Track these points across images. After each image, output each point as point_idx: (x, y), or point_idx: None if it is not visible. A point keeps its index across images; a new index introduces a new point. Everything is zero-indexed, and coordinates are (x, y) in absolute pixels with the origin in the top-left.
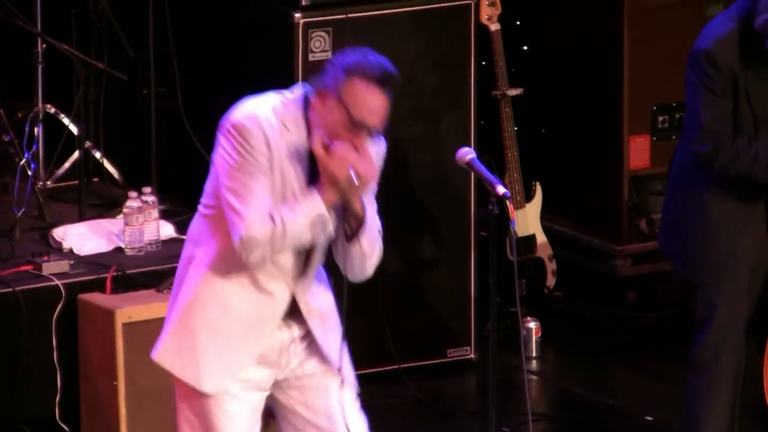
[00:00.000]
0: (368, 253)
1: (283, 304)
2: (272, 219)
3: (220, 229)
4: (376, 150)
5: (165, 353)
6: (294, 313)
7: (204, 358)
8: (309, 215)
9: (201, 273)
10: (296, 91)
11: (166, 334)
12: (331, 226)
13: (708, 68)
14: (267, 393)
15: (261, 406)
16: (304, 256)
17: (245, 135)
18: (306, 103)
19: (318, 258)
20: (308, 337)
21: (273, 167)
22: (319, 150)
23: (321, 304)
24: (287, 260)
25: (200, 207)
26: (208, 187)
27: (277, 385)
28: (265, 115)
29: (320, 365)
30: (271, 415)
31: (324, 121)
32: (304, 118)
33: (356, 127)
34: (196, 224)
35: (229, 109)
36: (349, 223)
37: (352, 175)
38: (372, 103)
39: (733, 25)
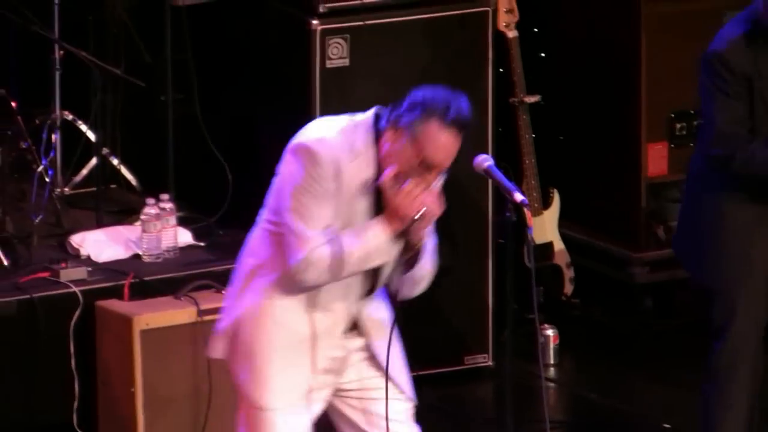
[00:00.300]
0: (417, 280)
1: (344, 322)
2: (336, 245)
3: (282, 249)
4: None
5: (234, 368)
6: (354, 327)
7: (270, 376)
8: (370, 245)
9: (265, 292)
10: (367, 116)
11: (231, 347)
12: (390, 257)
13: (721, 70)
14: (325, 402)
15: (318, 414)
16: (372, 279)
17: (315, 159)
18: (376, 130)
19: (383, 280)
20: (367, 348)
21: (339, 193)
22: (387, 185)
23: (379, 317)
24: (354, 281)
25: (263, 222)
26: (273, 203)
27: (335, 393)
28: (337, 141)
29: (378, 375)
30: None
31: (394, 154)
32: (374, 146)
33: (427, 167)
34: (258, 238)
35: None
36: (405, 253)
37: (418, 212)
38: (446, 147)
39: (746, 27)
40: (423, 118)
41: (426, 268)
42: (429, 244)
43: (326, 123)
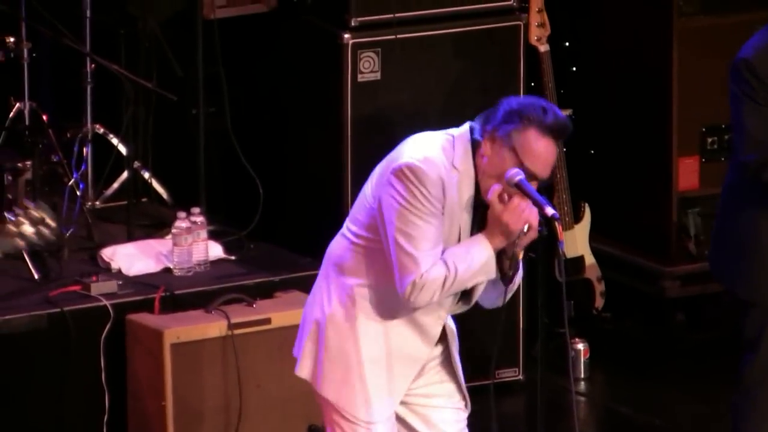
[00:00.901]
0: (510, 292)
1: (437, 333)
2: (446, 265)
3: (375, 264)
4: None
5: (330, 385)
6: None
7: (372, 390)
8: (478, 261)
9: (357, 305)
10: (462, 131)
11: (323, 365)
12: (494, 273)
13: (749, 77)
14: None
15: None
16: (469, 292)
17: (422, 179)
18: (473, 143)
19: (477, 295)
20: (441, 356)
21: (444, 211)
22: (495, 201)
23: (453, 325)
24: (448, 298)
25: (349, 234)
26: (364, 219)
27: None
28: (440, 159)
29: (444, 382)
30: None
31: (493, 167)
32: (473, 160)
33: (528, 177)
34: (344, 250)
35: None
36: (506, 266)
37: (524, 227)
38: (546, 155)
39: None
40: (521, 126)
41: (519, 279)
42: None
43: (426, 140)
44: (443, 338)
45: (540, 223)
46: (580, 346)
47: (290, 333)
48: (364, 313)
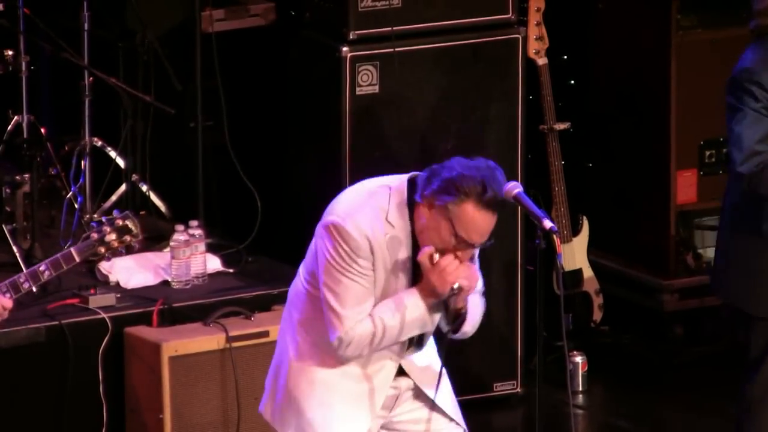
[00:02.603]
0: (470, 332)
1: (392, 374)
2: (372, 321)
3: (321, 315)
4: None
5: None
6: (402, 372)
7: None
8: (409, 317)
9: (311, 353)
10: (401, 184)
11: (281, 406)
12: (430, 326)
13: (750, 86)
14: None
15: None
16: (417, 338)
17: (347, 240)
18: (411, 202)
19: (428, 340)
20: (413, 389)
21: (375, 267)
22: (425, 262)
23: (426, 362)
24: (394, 345)
25: (304, 282)
26: (310, 265)
27: (385, 426)
28: (369, 217)
29: (427, 409)
30: None
31: (429, 232)
32: (409, 219)
33: (462, 244)
34: (301, 298)
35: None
36: (450, 319)
37: (453, 288)
38: (481, 226)
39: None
40: (458, 200)
41: (474, 321)
42: (476, 293)
43: (358, 196)
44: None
45: (538, 236)
46: (579, 359)
47: None
48: (317, 359)
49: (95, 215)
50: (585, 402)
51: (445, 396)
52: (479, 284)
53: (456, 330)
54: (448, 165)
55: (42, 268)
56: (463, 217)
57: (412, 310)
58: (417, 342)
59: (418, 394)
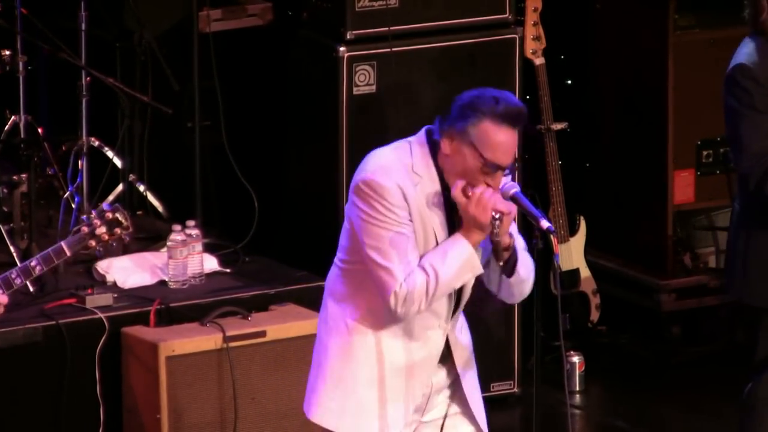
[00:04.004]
0: (526, 278)
1: (440, 346)
2: (424, 270)
3: (363, 285)
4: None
5: (328, 414)
6: (445, 357)
7: (372, 413)
8: (459, 260)
9: (352, 329)
10: (419, 135)
11: (321, 394)
12: (480, 267)
13: (746, 83)
14: None
15: None
16: (456, 297)
17: (380, 191)
18: (432, 145)
19: (467, 296)
20: (452, 383)
21: (412, 217)
22: (460, 197)
23: (465, 342)
24: (441, 304)
25: (337, 262)
26: (345, 242)
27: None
28: (396, 167)
29: (458, 409)
30: None
31: (456, 165)
32: (434, 162)
33: (491, 168)
34: (335, 279)
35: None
36: (501, 257)
37: (494, 215)
38: (504, 143)
39: (763, 42)
40: (476, 120)
41: (527, 265)
42: (519, 243)
43: (381, 153)
44: (449, 359)
45: (535, 236)
46: (576, 359)
47: (285, 346)
48: (363, 336)
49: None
50: (582, 402)
51: (476, 399)
52: (521, 241)
53: (511, 272)
54: (458, 97)
55: (33, 263)
56: (485, 135)
57: (461, 252)
58: (455, 307)
59: (450, 396)
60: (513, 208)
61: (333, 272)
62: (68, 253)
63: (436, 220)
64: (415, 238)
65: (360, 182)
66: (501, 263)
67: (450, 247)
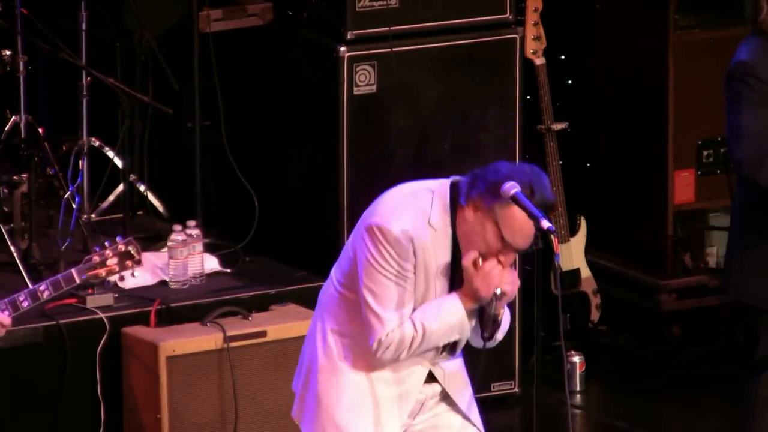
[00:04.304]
0: (499, 339)
1: (422, 379)
2: (413, 325)
3: (357, 314)
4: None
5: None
6: (432, 378)
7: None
8: (449, 320)
9: (343, 356)
10: (443, 188)
11: (312, 412)
12: (468, 331)
13: (747, 78)
14: None
15: None
16: (451, 344)
17: (392, 243)
18: (454, 203)
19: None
20: (442, 393)
21: (417, 269)
22: (469, 267)
23: (454, 367)
24: (429, 351)
25: (335, 281)
26: (345, 267)
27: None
28: (413, 219)
29: (450, 411)
30: None
31: (474, 234)
32: (451, 222)
33: (506, 248)
34: (331, 297)
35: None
36: (487, 328)
37: (497, 292)
38: (527, 230)
39: (763, 41)
40: (505, 202)
41: (504, 329)
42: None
43: (401, 198)
44: (435, 379)
45: (536, 237)
46: (576, 359)
47: (286, 346)
48: (349, 362)
49: (92, 215)
50: (583, 402)
51: (468, 403)
52: (508, 314)
53: (490, 337)
54: (493, 168)
55: (42, 287)
56: (510, 220)
57: (452, 315)
58: (450, 348)
59: (441, 399)
60: (516, 288)
61: (329, 289)
62: (77, 281)
63: (440, 276)
64: (415, 288)
65: (374, 225)
66: (485, 333)
67: (444, 306)
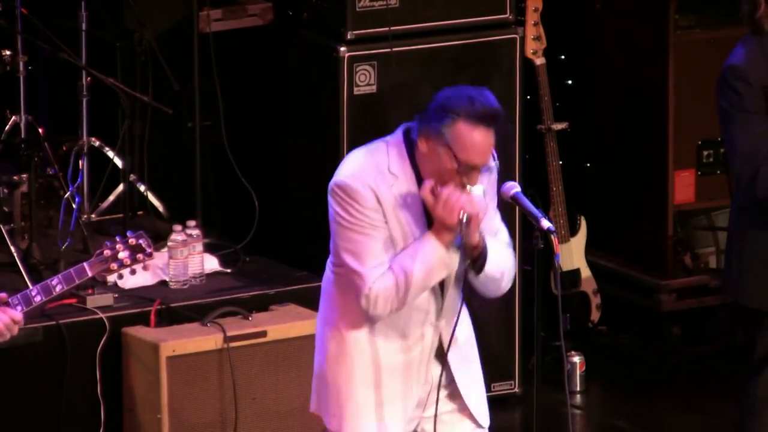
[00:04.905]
0: (497, 276)
1: (433, 344)
2: (393, 271)
3: (350, 287)
4: (488, 177)
5: (333, 418)
6: (439, 353)
7: (370, 416)
8: (429, 260)
9: (345, 331)
10: (397, 135)
11: (327, 396)
12: (454, 265)
13: (736, 84)
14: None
15: None
16: (440, 293)
17: (353, 195)
18: (410, 144)
19: (454, 291)
20: (450, 380)
21: (387, 218)
22: (428, 197)
23: (463, 337)
24: (425, 301)
25: (329, 263)
26: (331, 245)
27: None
28: (370, 169)
29: (455, 409)
30: None
31: (431, 165)
32: (410, 161)
33: (467, 169)
34: (328, 282)
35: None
36: (470, 256)
37: (463, 216)
38: (479, 144)
39: (760, 41)
40: (450, 120)
41: (500, 264)
42: (502, 237)
43: (356, 154)
44: (444, 356)
45: (536, 236)
46: (576, 359)
47: (286, 346)
48: (356, 338)
49: (93, 216)
50: (583, 402)
51: (475, 393)
52: (505, 235)
53: (479, 270)
54: (434, 96)
55: (54, 282)
56: (459, 137)
57: (430, 252)
58: (443, 299)
59: (449, 394)
60: (480, 210)
61: (326, 273)
62: (89, 274)
63: (411, 218)
64: (392, 237)
65: (333, 185)
66: (468, 261)
67: (420, 246)
